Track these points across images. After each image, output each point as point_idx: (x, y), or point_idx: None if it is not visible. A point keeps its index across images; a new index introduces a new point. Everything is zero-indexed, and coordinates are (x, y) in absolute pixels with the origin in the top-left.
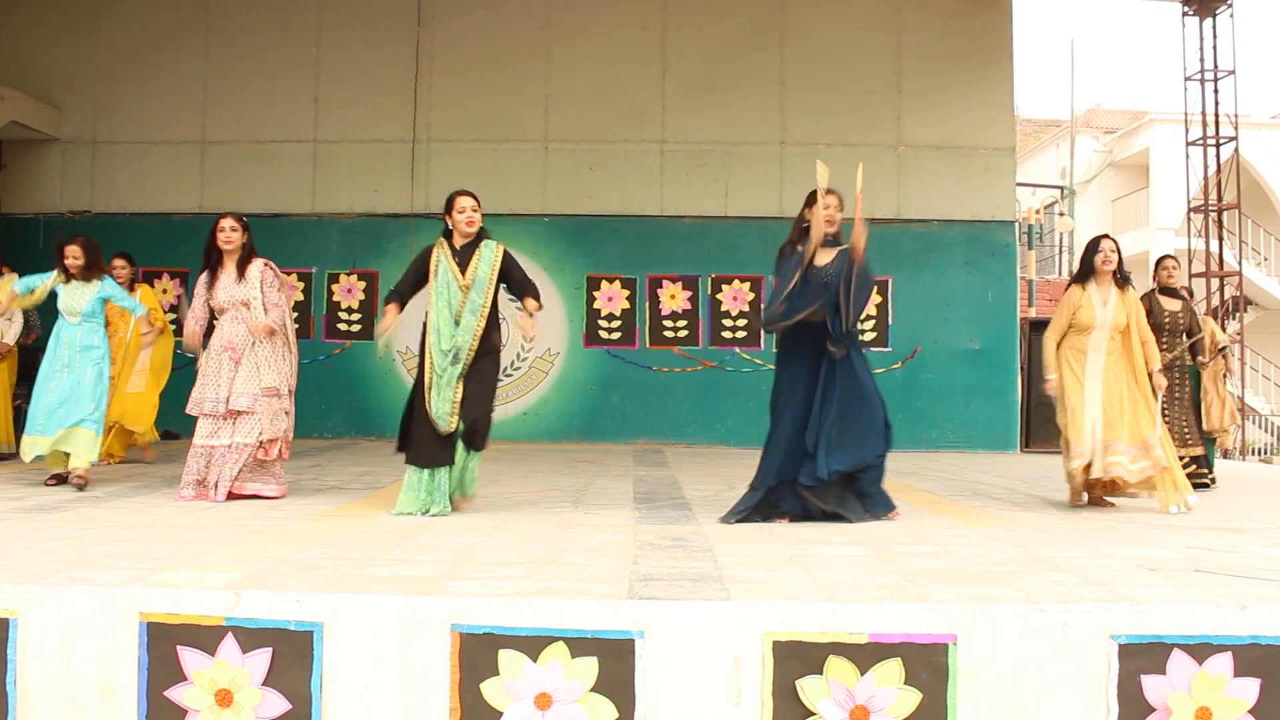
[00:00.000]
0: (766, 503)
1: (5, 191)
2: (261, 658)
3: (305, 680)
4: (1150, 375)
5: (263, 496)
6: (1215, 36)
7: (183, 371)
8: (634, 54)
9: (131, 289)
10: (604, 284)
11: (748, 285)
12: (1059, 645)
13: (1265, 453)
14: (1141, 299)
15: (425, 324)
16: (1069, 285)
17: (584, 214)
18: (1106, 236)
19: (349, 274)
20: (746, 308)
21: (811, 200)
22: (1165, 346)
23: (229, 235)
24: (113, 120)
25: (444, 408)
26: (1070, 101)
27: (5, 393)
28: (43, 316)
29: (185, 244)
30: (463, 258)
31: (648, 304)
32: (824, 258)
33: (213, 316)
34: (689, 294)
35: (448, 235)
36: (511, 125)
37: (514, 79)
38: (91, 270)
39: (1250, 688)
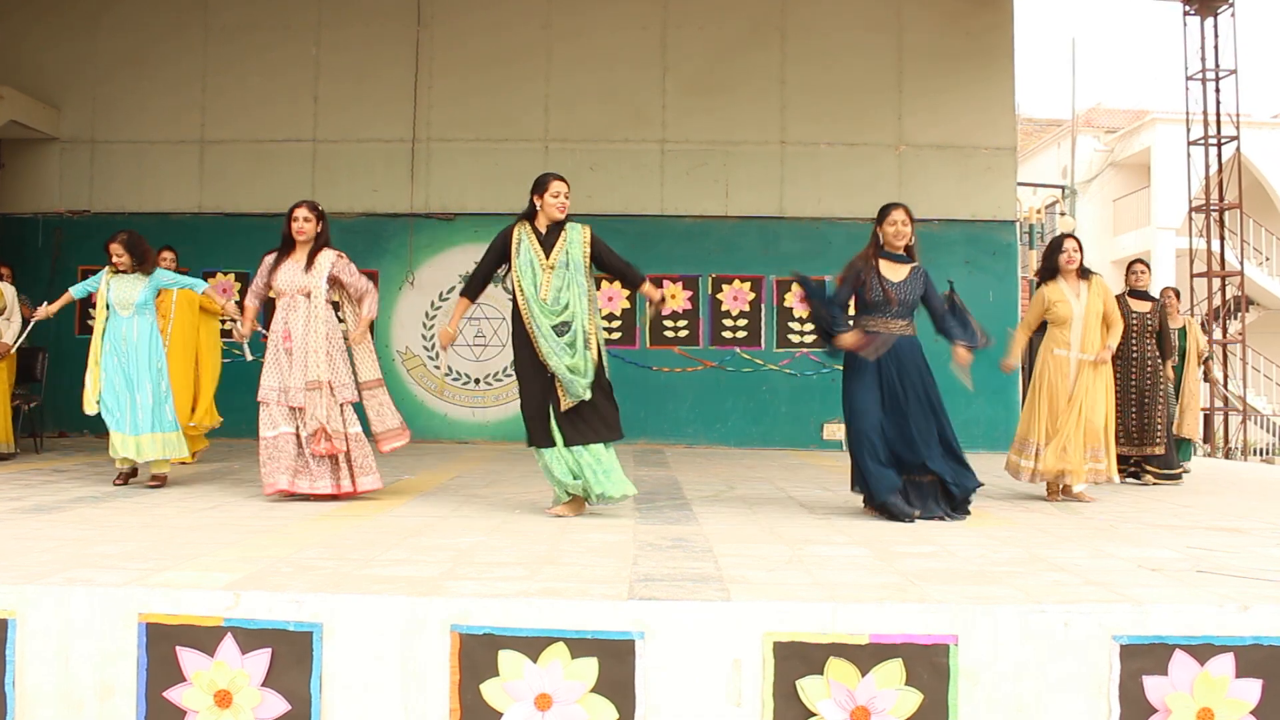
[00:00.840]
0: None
1: (4, 191)
2: (261, 658)
3: (305, 681)
4: (1101, 351)
5: (363, 493)
6: (1217, 36)
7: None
8: (634, 54)
9: None
10: (604, 284)
11: (748, 285)
12: (1060, 646)
13: (1267, 453)
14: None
15: (512, 320)
16: (1037, 286)
17: (584, 214)
18: (1070, 236)
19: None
20: (747, 307)
21: (881, 217)
22: (1134, 348)
23: (302, 225)
24: (112, 120)
25: (579, 375)
26: (1071, 101)
27: (4, 394)
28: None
29: (184, 243)
30: (547, 241)
31: (648, 303)
32: (896, 273)
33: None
34: (689, 294)
35: (529, 218)
36: (512, 125)
37: (514, 78)
38: (143, 264)
39: (1252, 689)
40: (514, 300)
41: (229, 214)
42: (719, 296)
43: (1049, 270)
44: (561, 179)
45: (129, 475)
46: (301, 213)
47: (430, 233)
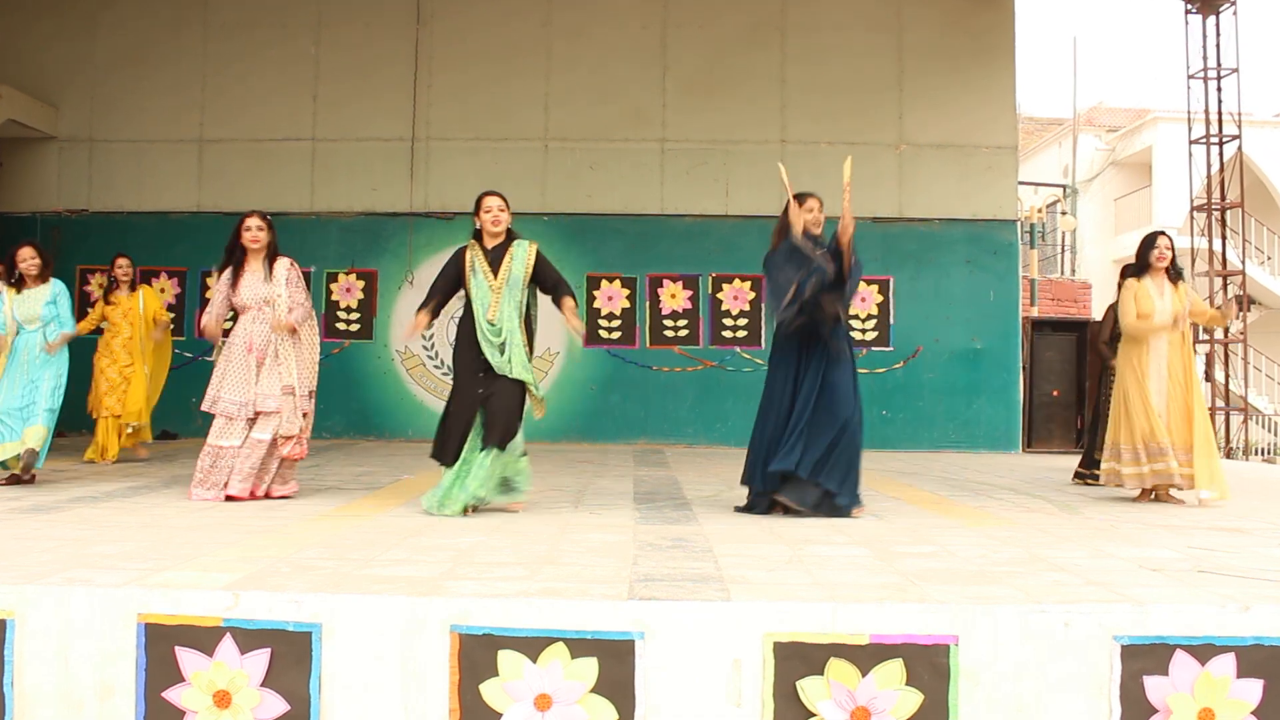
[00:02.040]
0: (762, 498)
1: (2, 190)
2: (260, 658)
3: (304, 681)
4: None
5: (278, 496)
6: (1219, 34)
7: (179, 371)
8: (635, 53)
9: (133, 289)
10: (604, 283)
11: (748, 284)
12: (1060, 646)
13: (1268, 452)
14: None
15: (459, 331)
16: (1123, 279)
17: (584, 213)
18: (1162, 233)
19: (347, 273)
20: (747, 307)
21: (799, 202)
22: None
23: (255, 234)
24: (110, 119)
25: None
26: (1073, 100)
27: None
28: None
29: (183, 243)
30: (494, 258)
31: (648, 303)
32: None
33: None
34: (689, 293)
35: (478, 236)
36: (511, 124)
37: (514, 77)
38: (45, 274)
39: (1253, 689)
40: (465, 309)
41: (228, 213)
42: (719, 296)
43: (1141, 266)
44: (494, 194)
45: (15, 479)
46: (254, 222)
47: (429, 232)
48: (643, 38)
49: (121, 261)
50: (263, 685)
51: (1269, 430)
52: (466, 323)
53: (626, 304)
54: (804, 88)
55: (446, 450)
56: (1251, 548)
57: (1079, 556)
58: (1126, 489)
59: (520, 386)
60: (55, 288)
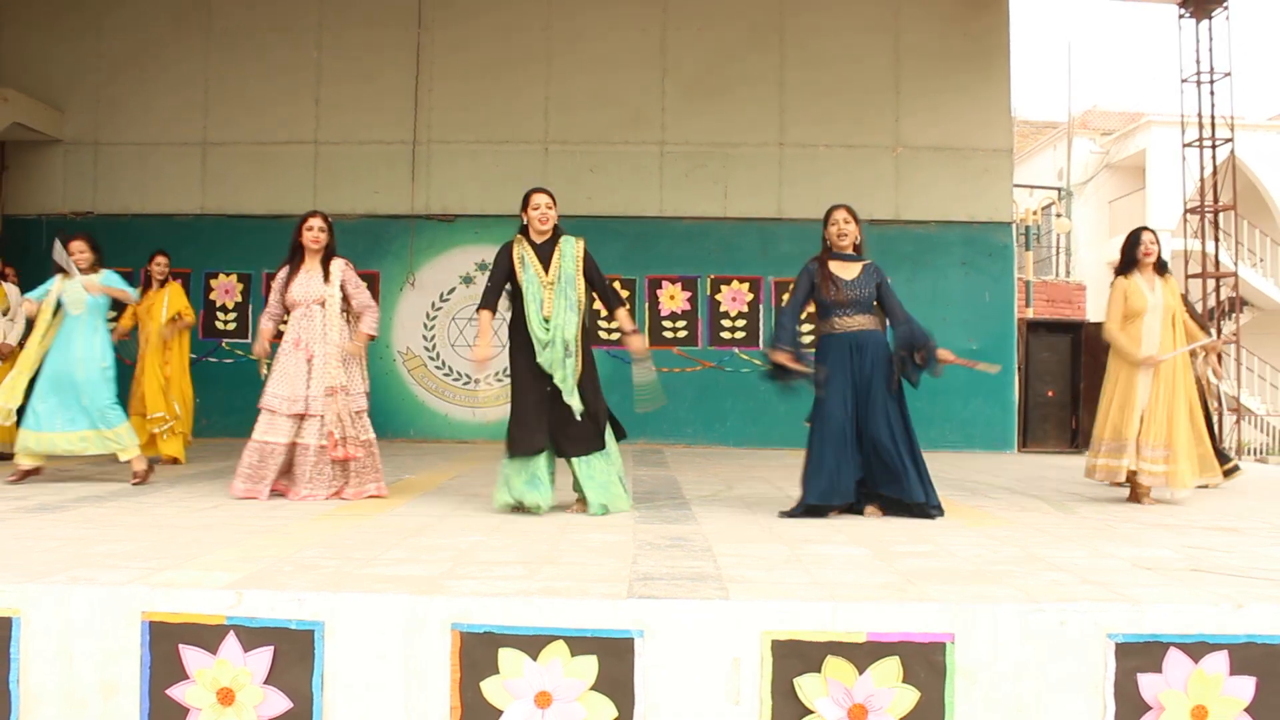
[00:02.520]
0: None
1: (8, 193)
2: (263, 656)
3: (306, 679)
4: (1204, 352)
5: (366, 498)
6: (1211, 38)
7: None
8: (634, 56)
9: (163, 286)
10: None
11: (747, 286)
12: (1057, 644)
13: (1261, 453)
14: None
15: (511, 335)
16: (1114, 279)
17: (584, 215)
18: (1147, 229)
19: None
20: (745, 308)
21: (825, 219)
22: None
23: (317, 235)
24: (115, 122)
25: (566, 380)
26: (1067, 103)
27: None
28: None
29: (187, 245)
30: (543, 254)
31: (647, 304)
32: (847, 271)
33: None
34: (688, 295)
35: (524, 233)
36: (511, 127)
37: (514, 81)
38: (96, 266)
39: (1246, 686)
40: (514, 311)
41: (231, 215)
42: (718, 297)
43: (1128, 263)
44: (543, 191)
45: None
46: (316, 222)
47: (431, 234)
48: (642, 41)
49: (160, 260)
50: (266, 683)
51: (1262, 431)
52: (519, 324)
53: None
54: (802, 91)
55: (533, 442)
56: (1246, 547)
57: (1076, 556)
58: (1098, 481)
59: (594, 378)
60: (105, 277)
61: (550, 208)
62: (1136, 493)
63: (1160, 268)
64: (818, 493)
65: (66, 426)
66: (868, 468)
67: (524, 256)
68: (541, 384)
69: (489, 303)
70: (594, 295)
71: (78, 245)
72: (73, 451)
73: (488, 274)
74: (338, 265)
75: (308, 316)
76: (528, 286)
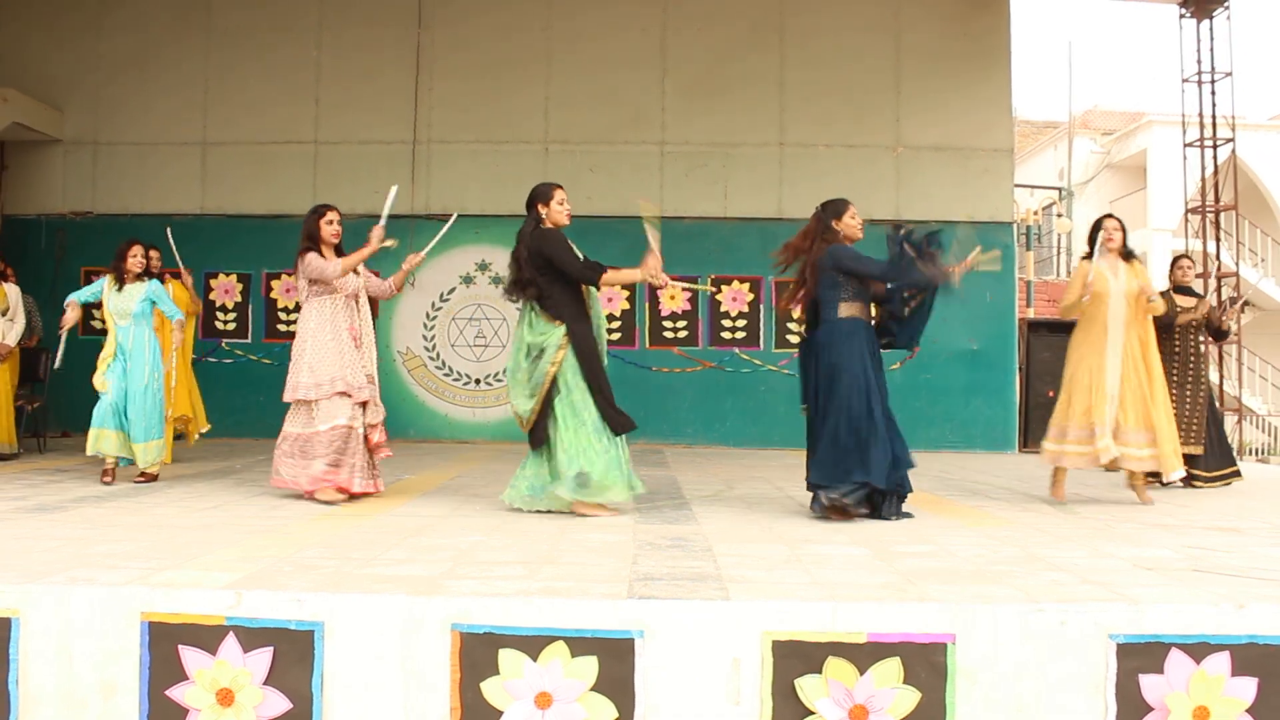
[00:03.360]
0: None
1: (8, 193)
2: (263, 657)
3: (306, 679)
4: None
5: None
6: (1212, 38)
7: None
8: (634, 57)
9: (164, 281)
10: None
11: (747, 286)
12: (1057, 645)
13: (1262, 453)
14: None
15: (567, 320)
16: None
17: (584, 215)
18: (1110, 216)
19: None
20: (746, 308)
21: (839, 212)
22: (1177, 344)
23: (338, 228)
24: (115, 122)
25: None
26: (1068, 103)
27: (7, 394)
28: (49, 319)
29: (187, 245)
30: None
31: (648, 305)
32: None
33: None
34: (689, 295)
35: (539, 224)
36: (512, 127)
37: (514, 81)
38: (145, 274)
39: (1248, 687)
40: (568, 304)
41: (231, 215)
42: (718, 298)
43: (1092, 249)
44: (562, 188)
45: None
46: (335, 215)
47: (431, 234)
48: (642, 42)
49: (153, 254)
50: (265, 684)
51: (1264, 431)
52: (583, 313)
53: (626, 305)
54: (802, 91)
55: (627, 419)
56: (1247, 547)
57: (1076, 556)
58: (1049, 465)
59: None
60: (150, 287)
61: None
62: (1136, 488)
63: (1126, 254)
64: (880, 474)
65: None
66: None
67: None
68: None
69: (601, 268)
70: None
71: (136, 250)
72: (134, 458)
73: (544, 255)
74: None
75: (349, 307)
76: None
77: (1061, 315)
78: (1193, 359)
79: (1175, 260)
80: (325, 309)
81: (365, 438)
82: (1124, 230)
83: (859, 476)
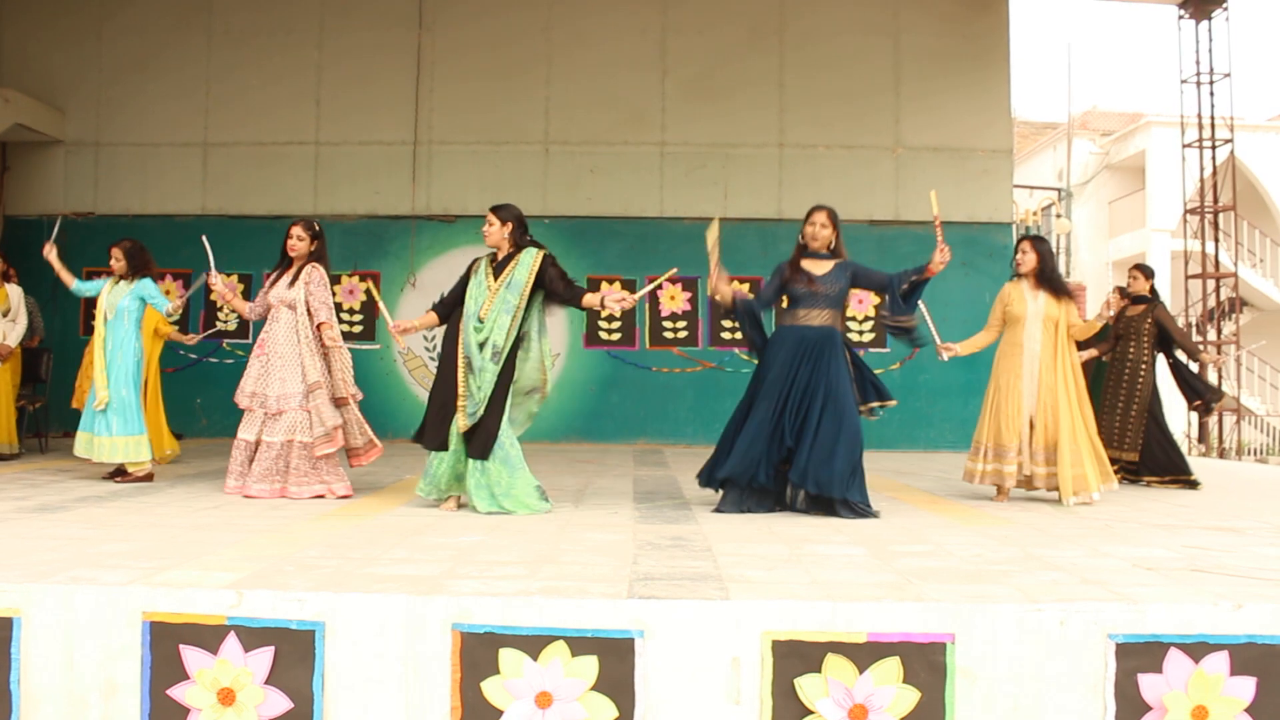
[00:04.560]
0: (753, 492)
1: (9, 193)
2: (264, 656)
3: (307, 679)
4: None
5: (324, 497)
6: (1211, 39)
7: (183, 373)
8: (634, 58)
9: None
10: (604, 285)
11: (747, 286)
12: (1056, 644)
13: (1261, 453)
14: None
15: (446, 331)
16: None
17: (584, 215)
18: (1025, 239)
19: (350, 275)
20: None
21: (805, 218)
22: (1130, 352)
23: (294, 244)
24: (116, 123)
25: (473, 401)
26: (1067, 104)
27: (9, 394)
28: (50, 320)
29: (188, 246)
30: (501, 264)
31: (647, 304)
32: (819, 268)
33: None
34: (688, 295)
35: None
36: (512, 128)
37: (515, 82)
38: (136, 271)
39: (1246, 686)
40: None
41: (232, 216)
42: (718, 298)
43: (1014, 271)
44: (492, 209)
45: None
46: (296, 230)
47: (432, 234)
48: (642, 43)
49: (116, 252)
50: (266, 683)
51: (1262, 431)
52: (454, 325)
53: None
54: (802, 92)
55: (424, 435)
56: (1245, 547)
57: (1075, 555)
58: (974, 485)
59: (500, 401)
60: (139, 286)
61: (490, 224)
62: (1003, 491)
63: (1051, 285)
64: (728, 467)
65: (104, 431)
66: (797, 460)
67: (480, 266)
68: (453, 382)
69: (440, 309)
70: (542, 325)
71: (114, 252)
72: (112, 458)
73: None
74: (307, 270)
75: (275, 319)
76: (473, 290)
77: (980, 337)
78: (1141, 366)
79: (1130, 269)
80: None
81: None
82: (1040, 254)
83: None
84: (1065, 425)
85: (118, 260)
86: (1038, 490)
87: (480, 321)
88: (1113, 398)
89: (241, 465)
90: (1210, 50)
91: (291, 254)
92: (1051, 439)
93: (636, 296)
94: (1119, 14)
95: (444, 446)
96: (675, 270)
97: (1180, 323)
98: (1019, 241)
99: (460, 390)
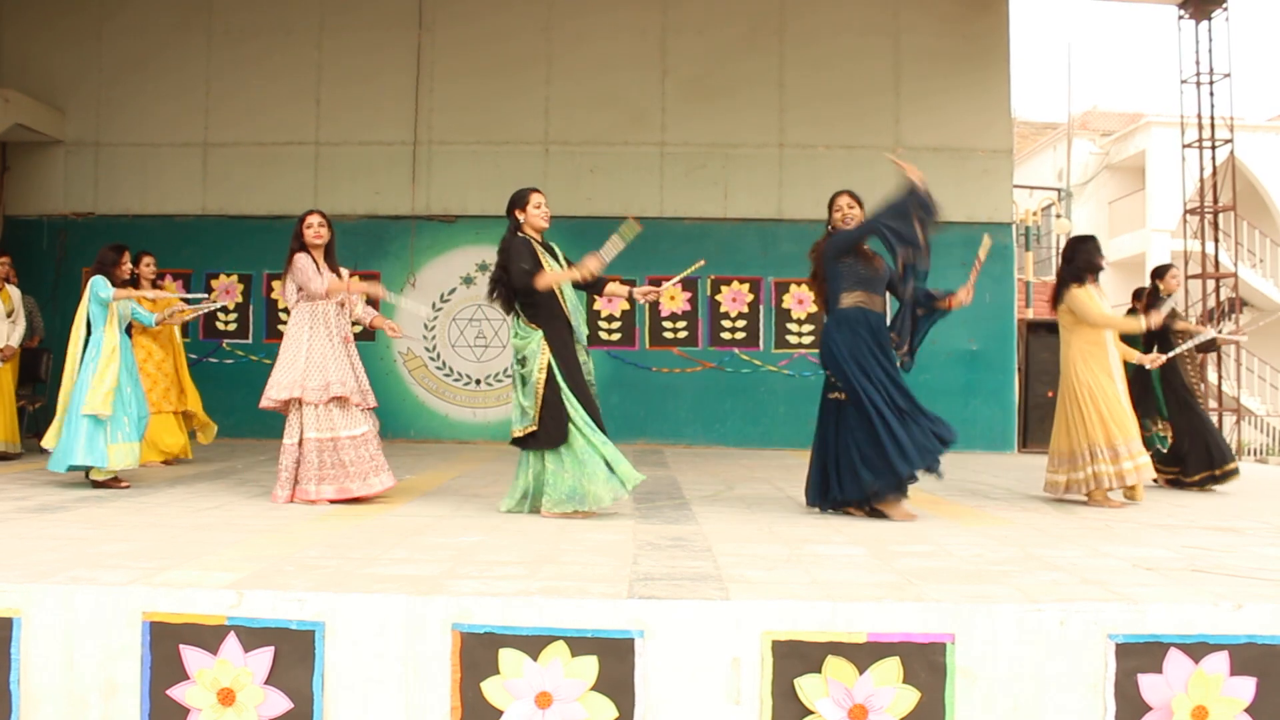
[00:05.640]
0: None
1: (10, 193)
2: (264, 656)
3: (307, 679)
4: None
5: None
6: (1211, 39)
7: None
8: (634, 58)
9: (155, 286)
10: (603, 285)
11: (747, 286)
12: (1056, 644)
13: (1261, 453)
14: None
15: (543, 324)
16: (1071, 288)
17: (584, 215)
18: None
19: (350, 275)
20: (745, 309)
21: (829, 205)
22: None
23: (319, 231)
24: (116, 123)
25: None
26: (1067, 104)
27: (10, 394)
28: (50, 319)
29: (189, 245)
30: (549, 251)
31: (647, 305)
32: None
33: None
34: (689, 295)
35: (519, 231)
36: (512, 128)
37: (515, 82)
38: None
39: (1246, 686)
40: (542, 306)
41: (232, 216)
42: (718, 298)
43: (1090, 271)
44: (540, 191)
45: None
46: (315, 219)
47: (431, 235)
48: (642, 43)
49: (147, 259)
50: (266, 683)
51: (1262, 431)
52: (559, 315)
53: (626, 306)
54: (802, 92)
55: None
56: (1245, 547)
57: (1075, 556)
58: (1075, 494)
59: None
60: (93, 284)
61: (544, 204)
62: (1135, 492)
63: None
64: (910, 463)
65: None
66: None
67: (542, 252)
68: (583, 376)
69: (535, 276)
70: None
71: (146, 260)
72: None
73: (502, 265)
74: (344, 272)
75: (339, 312)
76: (563, 287)
77: (1110, 326)
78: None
79: (1169, 271)
80: (314, 314)
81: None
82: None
83: (903, 469)
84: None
85: (151, 269)
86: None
87: (577, 311)
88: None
89: (327, 468)
90: (1210, 50)
91: (317, 241)
92: (1136, 431)
93: (666, 287)
94: (1119, 14)
95: (566, 438)
96: (703, 262)
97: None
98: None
99: (590, 379)
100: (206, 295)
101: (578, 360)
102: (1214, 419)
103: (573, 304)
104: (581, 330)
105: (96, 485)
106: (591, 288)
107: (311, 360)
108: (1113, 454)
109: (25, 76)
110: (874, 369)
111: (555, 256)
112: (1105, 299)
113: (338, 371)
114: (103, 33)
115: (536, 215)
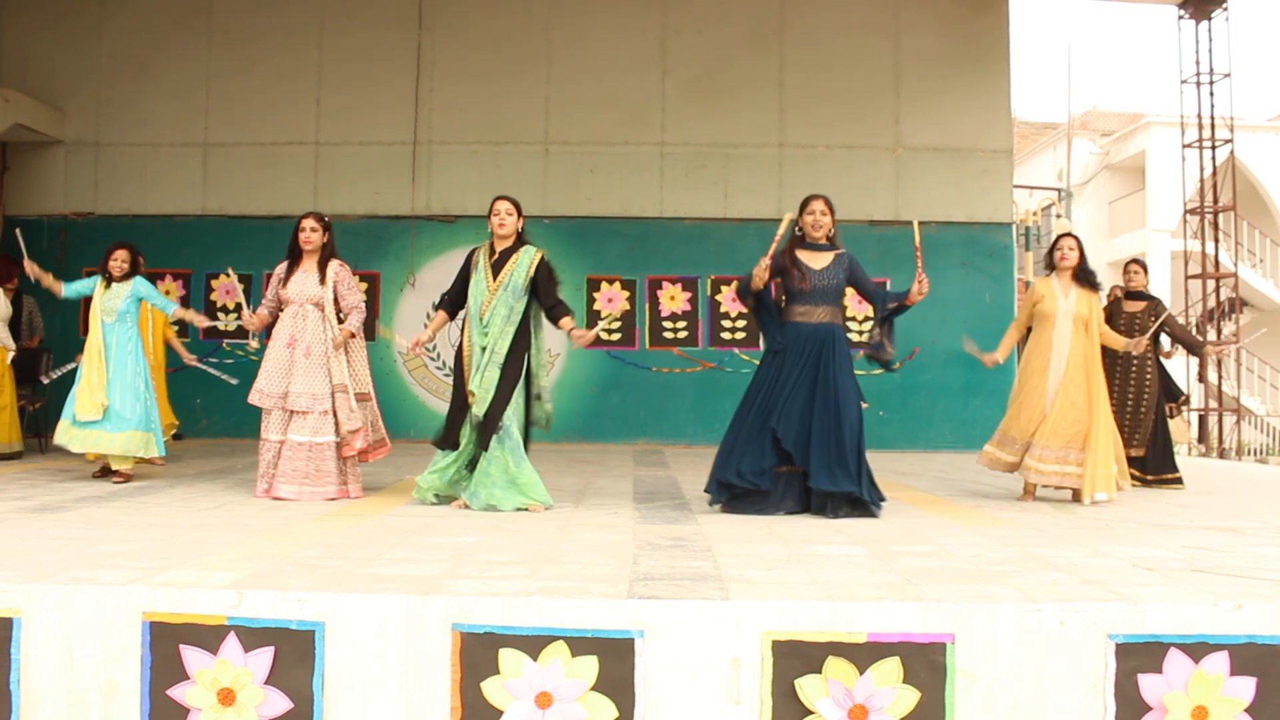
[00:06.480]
0: (763, 495)
1: (9, 193)
2: (264, 657)
3: (307, 679)
4: (1123, 351)
5: (340, 499)
6: (1211, 40)
7: (183, 373)
8: (634, 58)
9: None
10: (604, 285)
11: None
12: (1056, 644)
13: (1261, 453)
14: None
15: (463, 322)
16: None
17: (584, 216)
18: (1067, 235)
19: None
20: (746, 309)
21: (800, 208)
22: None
23: (309, 235)
24: (116, 123)
25: (480, 388)
26: (1067, 104)
27: (9, 394)
28: (50, 320)
29: (188, 246)
30: (499, 261)
31: (647, 305)
32: (818, 261)
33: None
34: (688, 295)
35: (491, 239)
36: (512, 128)
37: (515, 82)
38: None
39: (1246, 686)
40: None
41: (233, 216)
42: (718, 298)
43: (1049, 266)
44: (505, 198)
45: (105, 468)
46: (308, 223)
47: (431, 235)
48: (642, 44)
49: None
50: (266, 683)
51: (1262, 431)
52: (462, 324)
53: (626, 306)
54: (802, 92)
55: (446, 438)
56: (1245, 547)
57: (1075, 555)
58: (997, 473)
59: (505, 393)
60: (136, 285)
61: (510, 214)
62: (1026, 492)
63: (1081, 276)
64: (733, 471)
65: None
66: (806, 460)
67: (480, 260)
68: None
69: (447, 306)
70: (538, 321)
71: (120, 254)
72: (125, 452)
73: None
74: (333, 266)
75: (299, 315)
76: (473, 290)
77: (1009, 334)
78: (1148, 362)
79: (1125, 266)
80: (280, 321)
81: (338, 446)
82: (1080, 250)
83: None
84: (1098, 423)
85: (123, 263)
86: (1048, 488)
87: (481, 322)
88: (1120, 395)
89: (268, 467)
90: (1210, 50)
91: (306, 246)
92: (1074, 437)
93: (598, 328)
94: (1119, 14)
95: (455, 445)
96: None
97: (1180, 323)
98: (1060, 238)
99: (470, 389)
100: (224, 374)
101: (461, 374)
102: (1214, 419)
103: (476, 321)
104: (477, 346)
105: (104, 474)
106: (546, 313)
107: (264, 367)
108: (1024, 447)
109: (25, 76)
110: (784, 375)
111: (500, 267)
112: (1098, 301)
113: (275, 381)
114: (103, 33)
115: (494, 222)
